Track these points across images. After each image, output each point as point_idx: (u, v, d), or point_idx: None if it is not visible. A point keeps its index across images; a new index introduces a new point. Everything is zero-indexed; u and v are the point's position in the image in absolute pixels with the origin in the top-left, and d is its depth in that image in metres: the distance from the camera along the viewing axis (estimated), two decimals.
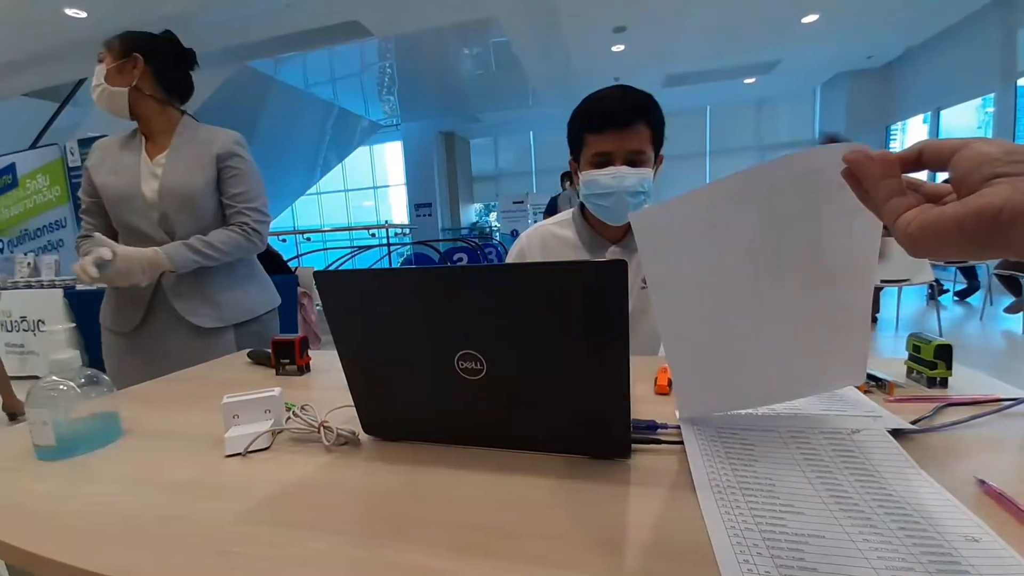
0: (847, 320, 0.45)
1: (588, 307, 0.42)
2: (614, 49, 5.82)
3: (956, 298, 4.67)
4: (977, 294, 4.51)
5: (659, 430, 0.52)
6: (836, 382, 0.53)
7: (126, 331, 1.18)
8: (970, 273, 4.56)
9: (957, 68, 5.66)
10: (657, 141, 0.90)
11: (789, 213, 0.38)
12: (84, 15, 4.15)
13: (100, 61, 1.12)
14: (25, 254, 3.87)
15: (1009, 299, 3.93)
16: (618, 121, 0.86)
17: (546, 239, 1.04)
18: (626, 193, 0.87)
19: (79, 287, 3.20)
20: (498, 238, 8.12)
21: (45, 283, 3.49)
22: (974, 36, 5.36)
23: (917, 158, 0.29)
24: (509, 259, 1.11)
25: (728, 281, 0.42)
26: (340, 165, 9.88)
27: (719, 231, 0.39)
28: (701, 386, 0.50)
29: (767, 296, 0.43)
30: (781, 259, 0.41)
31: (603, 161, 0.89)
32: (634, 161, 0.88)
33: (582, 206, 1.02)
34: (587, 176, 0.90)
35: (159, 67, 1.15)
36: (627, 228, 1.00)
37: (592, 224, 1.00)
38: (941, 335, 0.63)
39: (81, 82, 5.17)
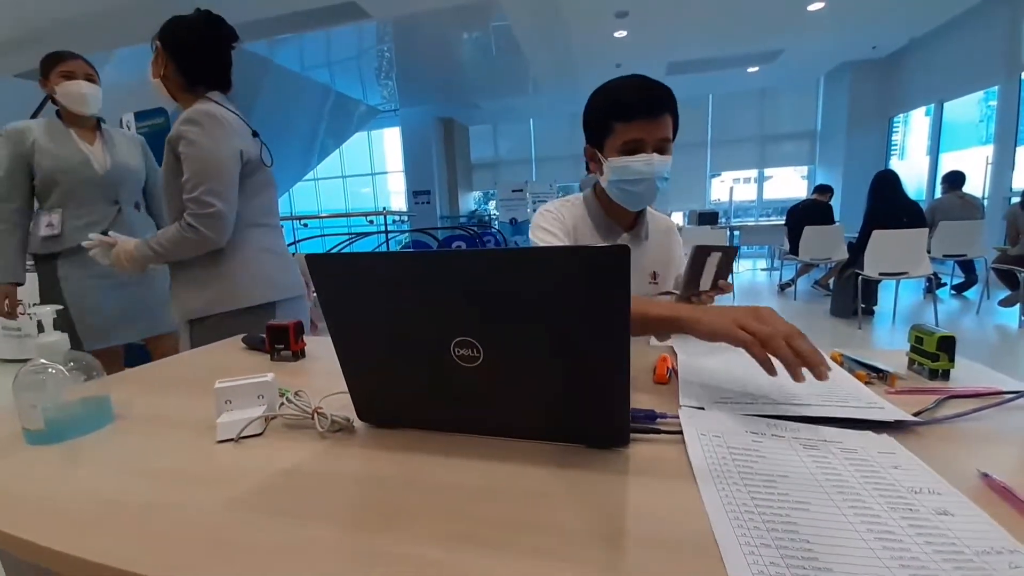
0: None
1: (588, 293, 0.41)
2: (616, 35, 5.73)
3: (953, 292, 4.67)
4: (974, 288, 4.52)
5: (658, 420, 0.51)
6: None
7: None
8: (968, 267, 4.56)
9: (961, 60, 5.60)
10: (675, 131, 0.94)
11: None
12: None
13: None
14: None
15: (1005, 293, 3.94)
16: (649, 110, 0.88)
17: (575, 215, 1.03)
18: (657, 179, 0.91)
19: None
20: (497, 226, 8.07)
21: None
22: (979, 28, 5.29)
23: None
24: (541, 220, 1.01)
25: None
26: (338, 151, 9.77)
27: None
28: None
29: None
30: None
31: (633, 148, 0.90)
32: (661, 149, 0.90)
33: (595, 191, 1.03)
34: (619, 162, 0.91)
35: (176, 53, 1.12)
36: (636, 215, 1.02)
37: (606, 210, 1.02)
38: (938, 328, 0.62)
39: None
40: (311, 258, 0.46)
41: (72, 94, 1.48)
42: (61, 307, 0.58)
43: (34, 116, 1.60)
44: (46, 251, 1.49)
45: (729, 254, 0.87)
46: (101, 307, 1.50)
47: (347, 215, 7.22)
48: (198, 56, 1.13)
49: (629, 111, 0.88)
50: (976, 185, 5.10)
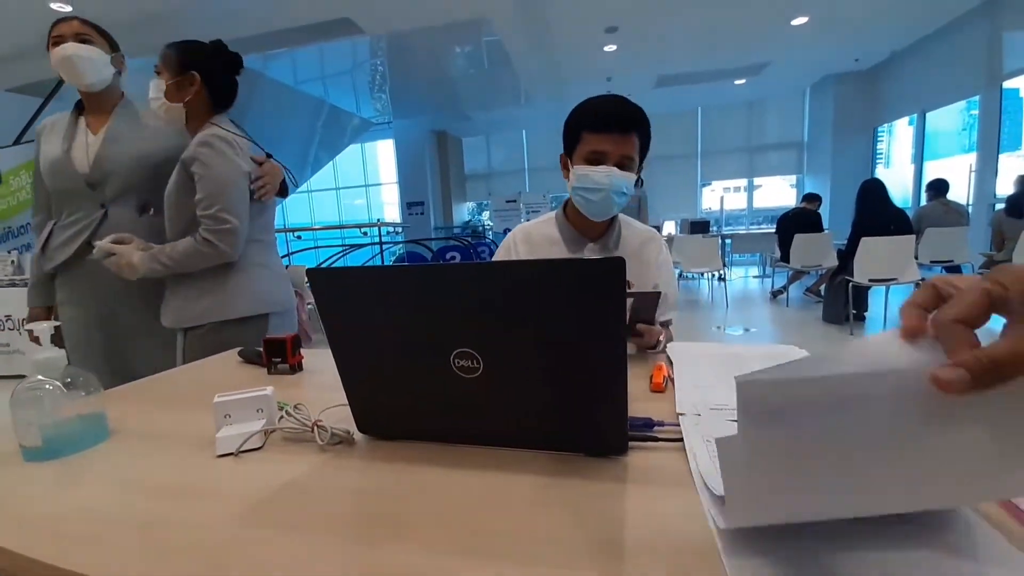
0: None
1: (586, 304, 0.42)
2: (606, 49, 5.82)
3: None
4: None
5: (655, 427, 0.52)
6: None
7: None
8: (955, 272, 4.63)
9: (943, 71, 5.75)
10: (643, 152, 0.99)
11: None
12: (68, 8, 4.07)
13: (158, 73, 1.14)
14: (8, 252, 3.79)
15: None
16: (618, 126, 0.93)
17: (530, 235, 1.11)
18: (613, 192, 0.95)
19: None
20: (491, 237, 8.10)
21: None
22: (960, 39, 5.44)
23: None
24: (497, 256, 1.15)
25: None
26: (331, 163, 9.80)
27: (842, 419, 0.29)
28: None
29: None
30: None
31: (597, 159, 0.95)
32: (623, 165, 0.95)
33: (565, 205, 1.09)
34: (581, 171, 0.96)
35: (212, 82, 1.17)
36: (605, 226, 1.06)
37: (573, 222, 1.07)
38: None
39: None
40: (312, 272, 0.47)
41: (57, 60, 1.18)
42: (59, 323, 0.58)
43: (28, 126, 1.51)
44: (49, 269, 1.30)
45: (647, 300, 0.81)
46: (80, 346, 1.29)
47: (341, 227, 7.20)
48: (228, 84, 1.21)
49: (599, 123, 0.94)
50: (960, 192, 5.20)
